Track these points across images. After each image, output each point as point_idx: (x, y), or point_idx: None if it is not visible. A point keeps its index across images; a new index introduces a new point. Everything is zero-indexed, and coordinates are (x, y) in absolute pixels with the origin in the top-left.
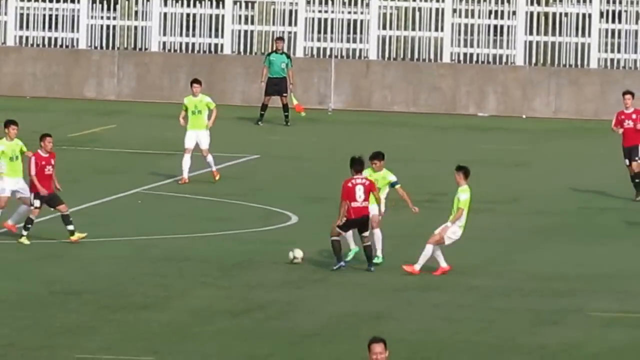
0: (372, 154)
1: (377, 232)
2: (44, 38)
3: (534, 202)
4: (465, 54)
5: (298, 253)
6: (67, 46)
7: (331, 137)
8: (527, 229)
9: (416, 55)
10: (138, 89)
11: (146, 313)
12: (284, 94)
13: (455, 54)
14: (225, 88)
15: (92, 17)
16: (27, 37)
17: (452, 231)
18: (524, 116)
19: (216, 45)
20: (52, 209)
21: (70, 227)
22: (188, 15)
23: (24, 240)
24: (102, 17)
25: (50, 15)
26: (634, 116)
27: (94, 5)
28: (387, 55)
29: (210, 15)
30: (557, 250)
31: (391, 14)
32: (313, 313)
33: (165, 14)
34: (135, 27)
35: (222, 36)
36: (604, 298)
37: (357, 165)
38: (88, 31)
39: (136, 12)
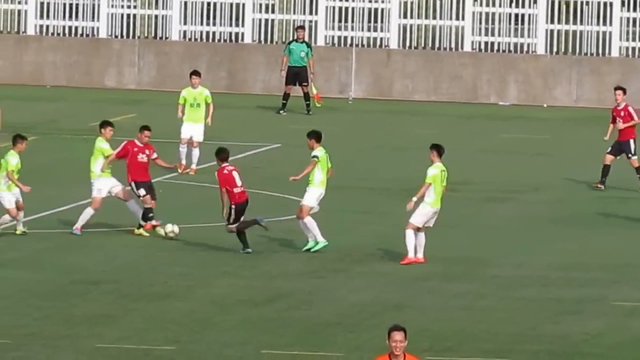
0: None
1: (308, 220)
2: (64, 27)
3: (556, 191)
4: (486, 43)
5: (168, 228)
6: (87, 35)
7: (352, 126)
8: (549, 218)
9: (437, 44)
10: (158, 78)
11: (167, 302)
12: (304, 83)
13: (476, 42)
14: (246, 77)
15: (112, 5)
16: (47, 26)
17: (419, 211)
18: (545, 105)
19: (237, 34)
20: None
21: (154, 222)
22: (209, 3)
23: (142, 231)
24: (122, 6)
25: (71, 4)
26: (622, 113)
27: None
28: (408, 44)
29: (231, 4)
30: (579, 240)
31: (412, 3)
32: (334, 302)
33: (185, 3)
34: (156, 16)
35: (243, 25)
36: (625, 287)
37: (222, 154)
38: (108, 20)
39: (157, 1)
